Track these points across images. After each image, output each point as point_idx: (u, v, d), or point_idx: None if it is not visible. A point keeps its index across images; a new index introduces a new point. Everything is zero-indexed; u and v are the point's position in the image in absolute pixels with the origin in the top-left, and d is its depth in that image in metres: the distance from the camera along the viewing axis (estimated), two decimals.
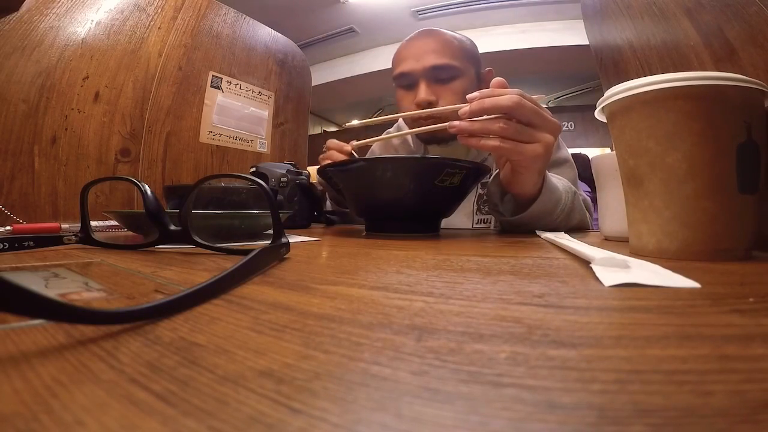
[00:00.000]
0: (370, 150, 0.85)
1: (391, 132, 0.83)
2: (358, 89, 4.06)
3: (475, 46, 0.67)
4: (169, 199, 0.48)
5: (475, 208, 0.68)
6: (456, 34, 0.66)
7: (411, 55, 0.63)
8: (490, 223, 0.67)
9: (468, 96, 0.39)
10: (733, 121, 0.22)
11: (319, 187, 0.69)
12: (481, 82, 0.67)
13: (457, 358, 0.09)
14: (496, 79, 0.41)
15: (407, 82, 0.64)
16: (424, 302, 0.13)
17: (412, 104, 0.63)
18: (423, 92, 0.61)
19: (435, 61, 0.61)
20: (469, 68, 0.64)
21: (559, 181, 0.50)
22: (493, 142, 0.38)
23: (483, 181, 0.53)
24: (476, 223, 0.68)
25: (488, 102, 0.37)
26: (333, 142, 0.59)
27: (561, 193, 0.47)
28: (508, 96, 0.37)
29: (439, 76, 0.61)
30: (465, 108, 0.39)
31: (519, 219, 0.45)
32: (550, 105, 4.47)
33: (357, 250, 0.30)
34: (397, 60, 0.66)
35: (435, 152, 0.70)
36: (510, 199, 0.49)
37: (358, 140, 0.56)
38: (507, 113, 0.38)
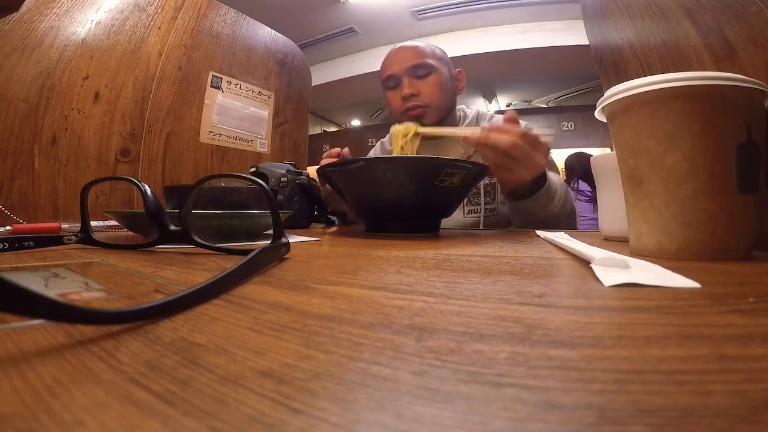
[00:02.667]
0: (370, 154, 0.91)
1: (384, 141, 0.90)
2: (358, 89, 4.06)
3: (446, 54, 0.83)
4: (169, 199, 0.48)
5: (465, 200, 0.75)
6: (428, 44, 0.82)
7: (394, 61, 0.79)
8: (480, 213, 0.75)
9: (482, 125, 0.52)
10: (733, 121, 0.22)
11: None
12: (454, 80, 0.81)
13: (457, 358, 0.09)
14: (509, 114, 0.50)
15: (393, 83, 0.78)
16: (424, 302, 0.13)
17: (399, 101, 0.77)
18: (406, 87, 0.76)
19: (413, 62, 0.76)
20: (442, 66, 0.78)
21: (554, 176, 0.60)
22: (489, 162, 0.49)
23: None
24: (467, 214, 0.76)
25: (491, 140, 0.47)
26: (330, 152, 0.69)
27: (556, 188, 0.57)
28: (507, 138, 0.46)
29: (417, 72, 0.76)
30: (473, 137, 0.48)
31: (522, 204, 0.55)
32: (550, 105, 4.47)
33: (357, 250, 0.30)
34: (383, 68, 0.81)
35: (428, 151, 0.77)
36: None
37: (358, 142, 0.60)
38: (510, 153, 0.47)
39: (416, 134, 0.64)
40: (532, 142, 0.48)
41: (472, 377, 0.08)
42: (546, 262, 0.22)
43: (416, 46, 0.79)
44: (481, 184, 0.75)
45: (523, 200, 0.54)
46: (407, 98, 0.74)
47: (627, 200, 0.27)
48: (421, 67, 0.75)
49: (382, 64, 0.81)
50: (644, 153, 0.24)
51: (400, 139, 0.65)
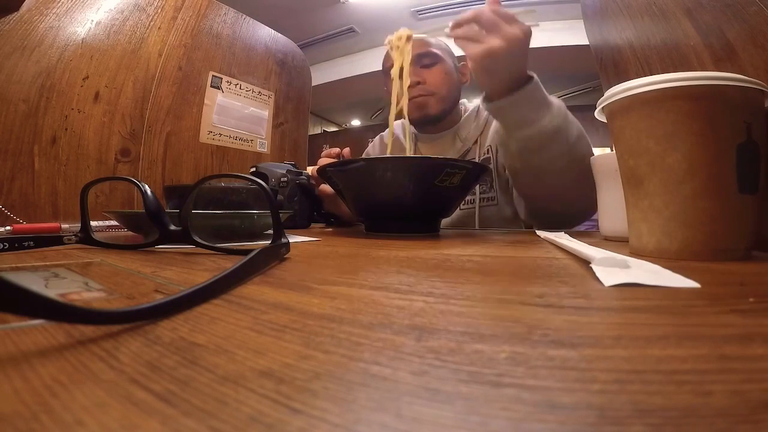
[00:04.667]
0: (365, 152, 0.91)
1: (384, 134, 0.88)
2: (358, 89, 4.06)
3: (450, 48, 0.80)
4: (169, 199, 0.48)
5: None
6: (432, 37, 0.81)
7: None
8: (475, 203, 0.74)
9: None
10: (733, 121, 0.22)
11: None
12: (459, 74, 0.80)
13: (457, 358, 0.09)
14: None
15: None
16: (425, 302, 0.13)
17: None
18: (411, 74, 0.71)
19: (418, 50, 0.74)
20: (447, 57, 0.78)
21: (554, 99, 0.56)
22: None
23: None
24: (462, 206, 0.74)
25: (460, 17, 0.47)
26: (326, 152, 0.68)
27: (553, 101, 0.53)
28: (472, 10, 0.46)
29: (423, 61, 0.75)
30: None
31: (507, 101, 0.49)
32: None
33: (357, 250, 0.30)
34: (388, 56, 0.79)
35: (424, 147, 0.81)
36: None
37: (358, 142, 0.59)
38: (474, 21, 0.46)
39: (408, 38, 0.59)
40: (504, 14, 0.45)
41: (472, 377, 0.08)
42: (546, 262, 0.22)
43: (421, 38, 0.77)
44: None
45: (504, 98, 0.48)
46: (411, 86, 0.70)
47: (627, 200, 0.27)
48: (427, 55, 0.75)
49: (386, 55, 0.78)
50: (644, 153, 0.24)
51: (396, 50, 0.60)
